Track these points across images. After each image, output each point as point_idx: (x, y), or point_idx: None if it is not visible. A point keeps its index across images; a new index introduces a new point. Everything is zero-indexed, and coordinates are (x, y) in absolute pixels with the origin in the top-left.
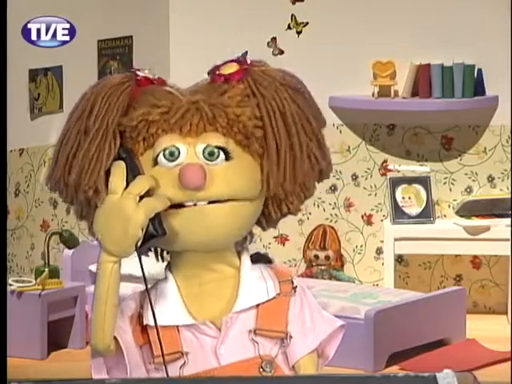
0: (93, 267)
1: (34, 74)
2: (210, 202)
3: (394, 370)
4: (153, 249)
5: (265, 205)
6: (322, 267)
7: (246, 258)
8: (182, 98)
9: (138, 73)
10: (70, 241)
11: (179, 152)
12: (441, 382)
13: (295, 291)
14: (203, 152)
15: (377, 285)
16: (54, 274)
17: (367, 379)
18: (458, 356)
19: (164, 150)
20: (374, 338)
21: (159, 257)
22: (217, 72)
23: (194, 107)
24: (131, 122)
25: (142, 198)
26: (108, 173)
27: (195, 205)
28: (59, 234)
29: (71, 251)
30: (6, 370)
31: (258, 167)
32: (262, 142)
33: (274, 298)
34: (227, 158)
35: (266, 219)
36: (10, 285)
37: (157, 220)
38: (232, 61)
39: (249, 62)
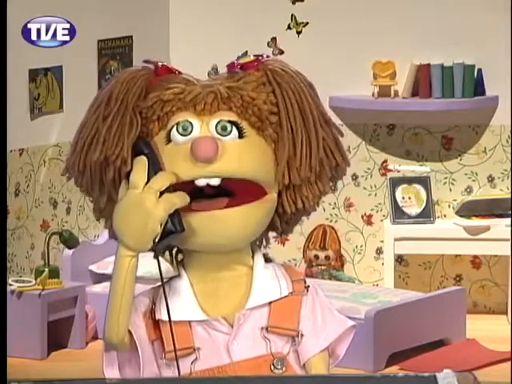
0: (93, 267)
1: (34, 74)
2: (222, 181)
3: (394, 370)
4: (168, 252)
5: (279, 202)
6: (322, 267)
7: (259, 257)
8: (197, 83)
9: (157, 63)
10: (69, 241)
11: (192, 127)
12: (441, 382)
13: (307, 290)
14: (216, 126)
15: (377, 285)
16: (54, 274)
17: (367, 379)
18: (458, 356)
19: (177, 124)
20: (374, 338)
21: (174, 259)
22: (234, 63)
23: (208, 89)
24: (147, 103)
25: (162, 193)
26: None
27: (208, 184)
28: (59, 234)
29: (71, 251)
30: (6, 370)
31: (271, 153)
32: (276, 127)
33: (286, 296)
34: (240, 135)
35: (281, 219)
36: (10, 285)
37: (176, 216)
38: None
39: (265, 56)
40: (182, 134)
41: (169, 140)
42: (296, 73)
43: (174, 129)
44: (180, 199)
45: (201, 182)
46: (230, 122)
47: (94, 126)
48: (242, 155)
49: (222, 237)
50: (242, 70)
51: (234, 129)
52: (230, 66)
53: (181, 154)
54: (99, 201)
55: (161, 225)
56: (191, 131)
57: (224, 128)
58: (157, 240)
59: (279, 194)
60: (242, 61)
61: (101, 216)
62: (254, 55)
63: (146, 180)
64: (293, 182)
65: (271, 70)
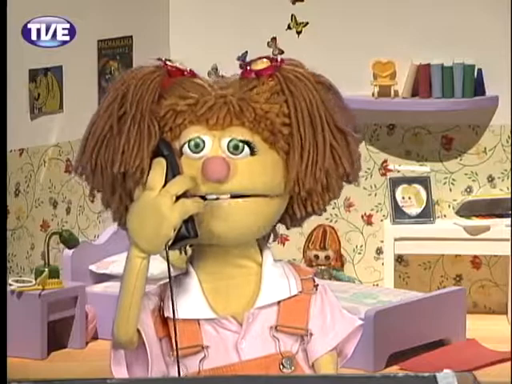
0: (93, 267)
1: (33, 74)
2: (232, 197)
3: (394, 369)
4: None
5: (290, 203)
6: (322, 267)
7: (268, 255)
8: (211, 90)
9: (169, 63)
10: (69, 241)
11: (204, 144)
12: (441, 382)
13: (317, 289)
14: (228, 145)
15: (377, 285)
16: (54, 273)
17: (367, 379)
18: (458, 356)
19: (189, 141)
20: (374, 338)
21: (183, 251)
22: (248, 67)
23: (221, 101)
24: (159, 111)
25: (178, 198)
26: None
27: (217, 199)
28: (59, 233)
29: (71, 251)
30: (6, 370)
31: (283, 164)
32: (288, 139)
33: (295, 295)
34: (252, 152)
35: (290, 218)
36: (10, 285)
37: (190, 222)
38: (264, 57)
39: (279, 59)
40: (194, 151)
41: (181, 153)
42: (312, 76)
43: (186, 145)
44: (195, 206)
45: (211, 197)
46: (241, 141)
47: (107, 124)
48: (254, 173)
49: (227, 228)
50: (255, 76)
51: (246, 147)
52: (244, 72)
53: (193, 170)
54: (110, 199)
55: (174, 229)
56: (203, 148)
57: (236, 147)
58: (169, 244)
59: (290, 197)
60: (256, 67)
61: (109, 206)
62: (268, 57)
63: (163, 183)
64: (301, 192)
65: (285, 78)
